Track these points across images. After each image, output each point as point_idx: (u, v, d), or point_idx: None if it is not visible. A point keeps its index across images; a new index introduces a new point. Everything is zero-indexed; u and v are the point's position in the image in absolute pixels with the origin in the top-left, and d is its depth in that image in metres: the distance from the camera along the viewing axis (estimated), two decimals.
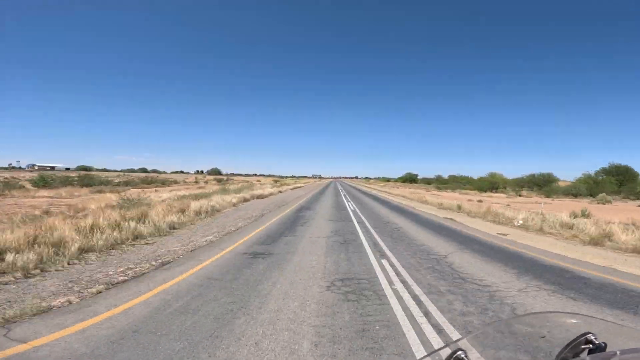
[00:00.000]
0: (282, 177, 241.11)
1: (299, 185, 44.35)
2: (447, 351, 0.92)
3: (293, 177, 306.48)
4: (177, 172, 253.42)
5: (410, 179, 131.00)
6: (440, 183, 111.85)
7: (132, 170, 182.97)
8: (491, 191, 56.46)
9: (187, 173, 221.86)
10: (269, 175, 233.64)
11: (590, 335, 0.88)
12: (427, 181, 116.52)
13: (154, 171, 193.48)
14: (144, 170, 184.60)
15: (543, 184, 65.17)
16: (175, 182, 54.96)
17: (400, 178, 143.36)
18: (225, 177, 71.76)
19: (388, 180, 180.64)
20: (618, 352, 0.78)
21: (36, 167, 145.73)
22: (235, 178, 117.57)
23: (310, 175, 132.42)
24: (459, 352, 0.88)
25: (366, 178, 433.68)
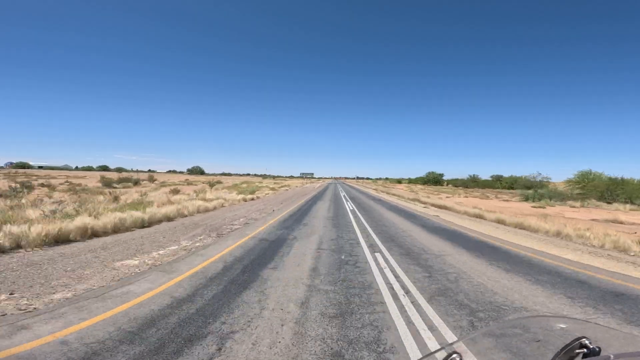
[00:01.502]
0: (277, 176, 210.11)
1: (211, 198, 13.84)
2: (442, 354, 0.90)
3: (291, 177, 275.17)
4: (170, 171, 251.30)
5: (434, 180, 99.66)
6: (481, 186, 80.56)
7: (90, 169, 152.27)
8: None
9: (181, 172, 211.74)
10: (262, 175, 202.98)
11: (584, 339, 0.87)
12: (464, 183, 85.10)
13: (119, 169, 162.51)
14: (104, 168, 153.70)
15: None
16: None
17: (419, 179, 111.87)
18: (137, 178, 39.46)
19: (399, 181, 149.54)
20: (612, 356, 0.77)
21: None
22: (192, 178, 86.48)
23: (299, 175, 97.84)
24: (454, 355, 0.88)
25: (367, 178, 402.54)
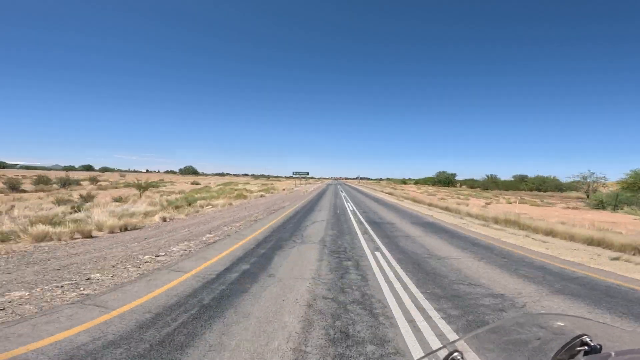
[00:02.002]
0: (271, 177, 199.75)
1: None
2: (443, 352, 0.92)
3: (290, 177, 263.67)
4: (167, 171, 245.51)
5: (445, 181, 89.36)
6: (502, 187, 69.88)
7: (72, 168, 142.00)
8: None
9: (174, 173, 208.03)
10: (258, 176, 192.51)
11: (585, 337, 0.87)
12: (482, 184, 74.74)
13: (103, 168, 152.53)
14: (87, 167, 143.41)
15: None
16: None
17: (428, 179, 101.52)
18: (68, 178, 28.76)
19: (404, 182, 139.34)
20: (613, 354, 0.78)
21: None
22: (174, 178, 76.63)
23: (293, 174, 71.67)
24: (456, 354, 0.88)
25: (367, 178, 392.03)
